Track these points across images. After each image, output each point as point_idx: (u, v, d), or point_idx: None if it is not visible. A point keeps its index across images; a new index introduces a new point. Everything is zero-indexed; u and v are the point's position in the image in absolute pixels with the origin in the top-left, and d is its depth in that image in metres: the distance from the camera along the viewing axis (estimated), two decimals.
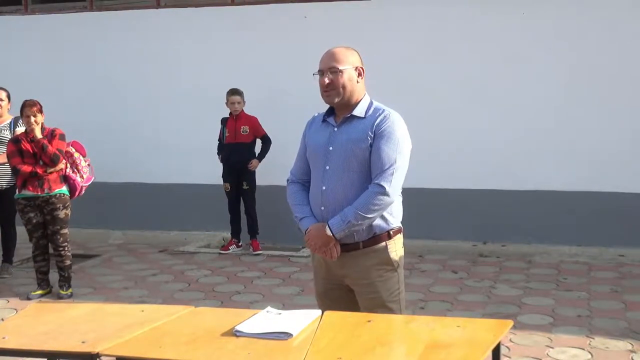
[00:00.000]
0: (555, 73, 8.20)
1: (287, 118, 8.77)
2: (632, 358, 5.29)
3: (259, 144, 8.74)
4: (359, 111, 3.80)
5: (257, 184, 8.73)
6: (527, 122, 8.29)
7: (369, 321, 3.38)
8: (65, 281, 7.16)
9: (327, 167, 3.79)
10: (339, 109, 3.84)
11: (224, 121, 8.69)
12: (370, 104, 3.84)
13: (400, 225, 3.90)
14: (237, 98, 8.52)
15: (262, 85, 8.88)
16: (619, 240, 8.04)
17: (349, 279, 3.85)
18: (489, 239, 8.49)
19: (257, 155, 8.68)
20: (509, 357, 5.29)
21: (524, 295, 6.85)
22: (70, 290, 7.17)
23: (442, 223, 8.55)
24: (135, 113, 9.51)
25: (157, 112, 9.46)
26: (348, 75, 3.75)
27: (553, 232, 8.22)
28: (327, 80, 3.74)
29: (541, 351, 5.43)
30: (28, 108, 6.86)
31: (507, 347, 5.41)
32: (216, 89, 8.71)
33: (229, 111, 8.61)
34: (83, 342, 3.24)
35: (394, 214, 3.83)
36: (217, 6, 9.27)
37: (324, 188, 3.78)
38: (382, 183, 3.67)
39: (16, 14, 10.02)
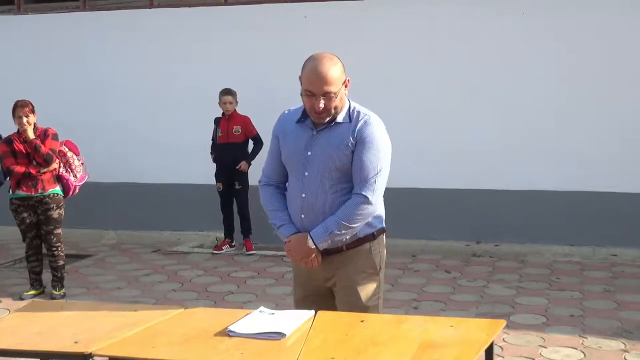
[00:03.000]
0: (548, 74, 8.21)
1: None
2: (624, 357, 5.30)
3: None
4: (341, 117, 3.68)
5: (250, 184, 8.71)
6: (521, 123, 8.30)
7: (362, 321, 3.38)
8: (58, 281, 7.15)
9: (306, 173, 3.68)
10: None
11: (217, 121, 8.69)
12: (349, 107, 3.73)
13: (384, 225, 3.85)
14: (228, 98, 8.51)
15: (255, 85, 8.87)
16: (611, 240, 8.06)
17: (331, 282, 3.79)
18: (482, 238, 8.50)
19: (249, 154, 8.65)
20: (502, 357, 5.30)
21: (517, 295, 6.86)
22: (63, 290, 7.16)
23: (435, 223, 8.55)
24: (128, 113, 9.50)
25: (150, 112, 9.45)
26: (340, 95, 3.62)
27: (546, 232, 8.24)
28: (322, 106, 3.59)
29: (534, 351, 5.44)
30: (20, 109, 6.85)
31: (500, 346, 5.41)
32: (210, 89, 8.70)
33: (222, 111, 8.60)
34: (76, 342, 3.23)
35: (377, 216, 3.75)
36: (210, 6, 9.27)
37: (303, 195, 3.68)
38: (365, 193, 3.60)
39: (9, 14, 10.00)
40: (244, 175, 8.65)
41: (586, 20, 8.08)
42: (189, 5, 9.30)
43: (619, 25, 8.02)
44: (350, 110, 3.71)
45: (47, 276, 7.25)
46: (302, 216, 3.70)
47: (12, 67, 9.79)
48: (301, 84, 3.65)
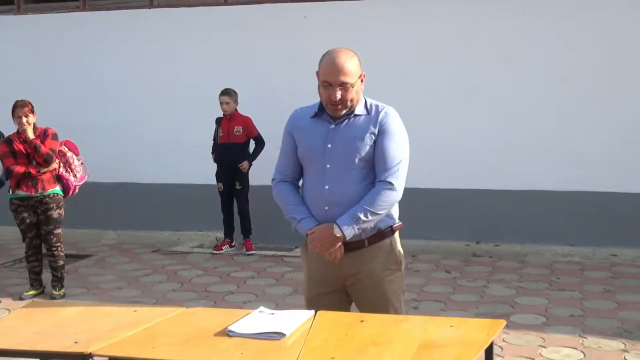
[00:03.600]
0: (548, 74, 8.21)
1: (282, 118, 8.77)
2: (624, 357, 5.30)
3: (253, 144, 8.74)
4: (359, 109, 3.76)
5: (250, 184, 8.71)
6: (521, 123, 8.30)
7: (362, 321, 3.38)
8: (58, 281, 7.15)
9: (328, 166, 3.73)
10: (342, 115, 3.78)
11: (218, 121, 8.69)
12: (365, 100, 3.81)
13: (399, 221, 3.90)
14: (225, 98, 8.50)
15: (255, 85, 8.87)
16: (611, 240, 8.06)
17: (352, 280, 3.81)
18: (482, 238, 8.50)
19: (247, 157, 8.65)
20: (502, 357, 5.30)
21: (517, 295, 6.86)
22: (63, 290, 7.16)
23: (435, 223, 8.55)
24: (128, 113, 9.49)
25: (150, 111, 9.45)
26: (356, 88, 3.70)
27: (546, 232, 8.24)
28: (338, 97, 3.65)
29: (534, 351, 5.44)
30: (20, 109, 6.85)
31: (500, 346, 5.42)
32: (209, 89, 8.70)
33: None
34: (76, 343, 3.23)
35: (393, 210, 3.82)
36: (210, 6, 9.27)
37: (327, 187, 3.72)
38: (390, 179, 3.66)
39: (9, 14, 9.99)
40: (244, 176, 8.65)
41: (586, 20, 8.08)
42: (189, 5, 9.30)
43: (618, 25, 8.02)
44: (368, 104, 3.80)
45: (47, 276, 7.25)
46: (326, 208, 3.72)
47: (12, 67, 9.79)
48: (318, 79, 3.73)
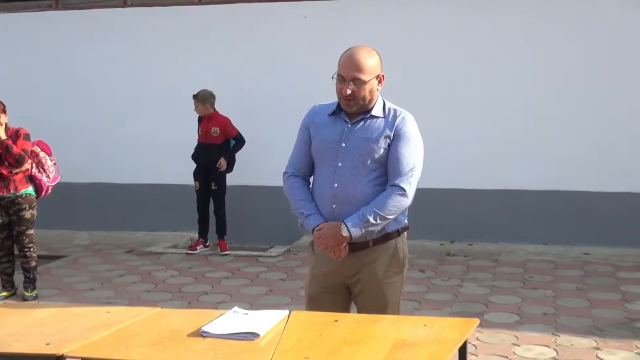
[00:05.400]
0: (523, 74, 8.26)
1: (257, 118, 8.78)
2: (597, 355, 5.35)
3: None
4: (376, 111, 3.76)
5: (227, 184, 8.69)
6: (494, 123, 8.34)
7: (336, 321, 3.38)
8: (30, 283, 7.09)
9: (340, 164, 3.72)
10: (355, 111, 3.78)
11: (200, 120, 8.67)
12: (384, 103, 3.82)
13: (407, 222, 3.91)
14: (194, 101, 8.49)
15: (229, 85, 8.86)
16: (584, 238, 8.13)
17: (354, 279, 3.81)
18: (456, 238, 8.54)
19: (227, 152, 8.62)
20: (476, 356, 5.33)
21: (490, 294, 6.90)
22: (35, 292, 7.10)
23: (410, 222, 8.54)
24: (102, 112, 9.45)
25: (124, 111, 9.40)
26: (370, 87, 3.69)
27: (519, 231, 8.29)
28: (349, 91, 3.65)
29: (507, 349, 5.47)
30: None
31: (473, 345, 5.45)
32: (183, 89, 8.67)
33: None
34: (48, 344, 3.21)
35: (403, 212, 3.82)
36: (184, 5, 9.24)
37: (336, 185, 3.71)
38: (402, 185, 3.66)
39: None
40: (221, 176, 8.63)
41: (562, 21, 8.15)
42: (163, 5, 9.26)
43: (595, 25, 8.09)
44: (386, 107, 3.81)
45: (19, 277, 7.19)
46: (334, 206, 3.72)
47: None
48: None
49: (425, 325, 3.32)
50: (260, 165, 8.69)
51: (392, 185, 3.68)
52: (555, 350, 5.44)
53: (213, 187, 8.65)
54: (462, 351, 3.25)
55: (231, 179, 8.66)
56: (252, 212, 8.88)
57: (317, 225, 3.73)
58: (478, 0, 8.35)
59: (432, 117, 8.42)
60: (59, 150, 7.45)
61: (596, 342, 5.59)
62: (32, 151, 6.98)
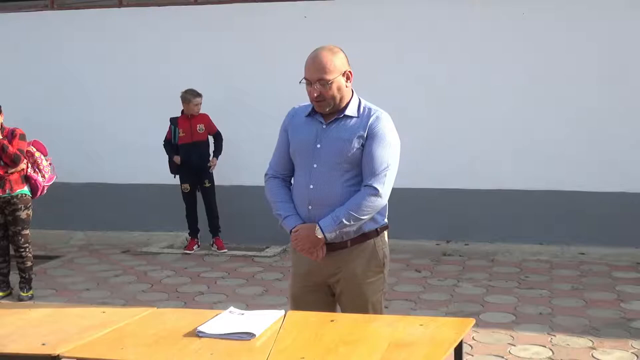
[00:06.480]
0: (517, 73, 8.26)
1: (255, 119, 8.79)
2: (592, 354, 5.36)
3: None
4: (350, 111, 3.76)
5: (220, 184, 8.70)
6: (490, 122, 8.34)
7: (332, 321, 3.39)
8: (26, 283, 7.09)
9: (315, 165, 3.73)
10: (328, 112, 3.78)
11: (175, 121, 8.64)
12: (359, 102, 3.81)
13: (387, 222, 3.90)
14: (200, 100, 8.51)
15: (223, 85, 8.87)
16: (579, 238, 8.13)
17: (334, 279, 3.82)
18: (452, 238, 8.54)
19: (213, 153, 8.67)
20: (472, 355, 5.33)
21: (486, 294, 6.91)
22: (31, 292, 7.10)
23: (405, 222, 8.53)
24: (97, 112, 9.42)
25: (120, 111, 9.39)
26: (337, 85, 3.69)
27: (515, 231, 8.29)
28: (316, 93, 3.68)
29: (503, 349, 5.48)
30: None
31: (469, 345, 5.45)
32: (178, 89, 8.63)
33: (181, 110, 8.58)
34: (43, 344, 3.21)
35: (381, 212, 3.82)
36: (180, 5, 9.23)
37: (311, 187, 3.73)
38: (375, 185, 3.66)
39: None
40: (211, 173, 8.65)
41: (554, 21, 8.13)
42: (158, 5, 9.25)
43: (586, 26, 8.07)
44: (361, 106, 3.80)
45: (14, 277, 7.19)
46: (309, 207, 3.74)
47: None
48: None
49: (421, 325, 3.32)
50: (257, 165, 8.65)
51: (365, 186, 3.69)
52: (551, 350, 5.45)
53: (207, 185, 8.65)
54: (458, 351, 3.25)
55: (227, 179, 8.66)
56: (248, 212, 8.86)
57: (294, 227, 3.75)
58: (478, 1, 8.35)
59: (429, 117, 8.46)
60: (54, 150, 7.44)
61: (592, 341, 5.60)
62: (27, 151, 6.97)
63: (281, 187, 3.90)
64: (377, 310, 3.83)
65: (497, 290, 7.03)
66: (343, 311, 3.82)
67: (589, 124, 8.14)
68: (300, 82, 3.76)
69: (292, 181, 3.93)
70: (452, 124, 8.43)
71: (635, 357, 5.30)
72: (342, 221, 3.63)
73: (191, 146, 8.56)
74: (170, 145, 8.68)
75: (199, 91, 8.53)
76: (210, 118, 8.64)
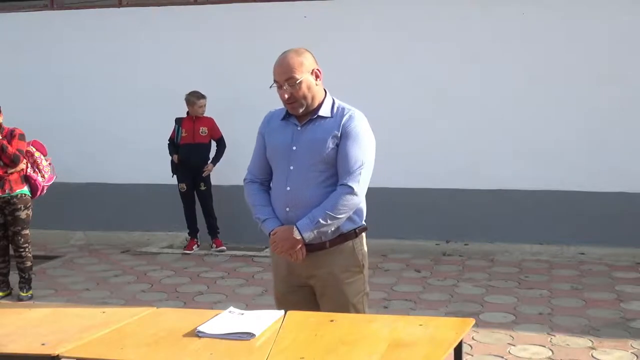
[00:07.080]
0: (516, 73, 8.26)
1: (251, 119, 8.76)
2: (592, 355, 5.36)
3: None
4: (324, 111, 3.77)
5: (219, 184, 8.71)
6: (489, 122, 8.34)
7: (331, 321, 3.39)
8: (25, 283, 7.09)
9: (291, 167, 3.75)
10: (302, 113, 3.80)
11: (179, 121, 8.65)
12: (333, 102, 3.82)
13: (365, 223, 3.91)
14: (204, 101, 8.53)
15: (223, 85, 8.86)
16: (579, 238, 8.13)
17: (314, 280, 3.83)
18: (451, 237, 8.54)
19: (212, 159, 8.68)
20: (471, 355, 5.33)
21: (486, 294, 6.91)
22: (30, 292, 7.10)
23: (405, 222, 8.57)
24: (96, 113, 9.42)
25: (120, 111, 9.38)
26: (306, 83, 3.71)
27: (515, 231, 8.29)
28: (287, 95, 3.70)
29: (503, 349, 5.48)
30: None
31: (469, 345, 5.45)
32: (178, 89, 8.65)
33: (187, 111, 8.58)
34: (43, 344, 3.21)
35: (358, 213, 3.82)
36: (180, 5, 9.23)
37: (288, 189, 3.74)
38: (350, 184, 3.66)
39: None
40: (207, 176, 8.66)
41: (555, 20, 8.13)
42: (158, 5, 9.25)
43: (588, 25, 8.07)
44: (335, 106, 3.80)
45: (14, 277, 7.19)
46: (287, 209, 3.75)
47: None
48: None
49: (420, 325, 3.32)
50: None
51: (341, 185, 3.69)
52: (550, 349, 5.45)
53: (202, 188, 8.66)
54: (458, 351, 3.25)
55: (226, 179, 8.65)
56: (248, 212, 8.81)
57: (272, 230, 3.76)
58: (477, 1, 8.35)
59: (429, 117, 8.46)
60: (53, 151, 7.43)
61: (591, 341, 5.60)
62: (27, 151, 6.97)
63: (259, 191, 3.92)
64: (358, 311, 3.83)
65: (497, 290, 7.03)
66: (323, 311, 3.81)
67: (589, 124, 8.14)
68: (270, 87, 3.79)
69: (271, 185, 3.95)
70: (452, 124, 8.42)
71: (635, 357, 5.30)
72: (319, 221, 3.64)
73: (192, 147, 8.56)
74: (173, 144, 8.69)
75: (201, 92, 8.54)
76: (215, 122, 8.62)
